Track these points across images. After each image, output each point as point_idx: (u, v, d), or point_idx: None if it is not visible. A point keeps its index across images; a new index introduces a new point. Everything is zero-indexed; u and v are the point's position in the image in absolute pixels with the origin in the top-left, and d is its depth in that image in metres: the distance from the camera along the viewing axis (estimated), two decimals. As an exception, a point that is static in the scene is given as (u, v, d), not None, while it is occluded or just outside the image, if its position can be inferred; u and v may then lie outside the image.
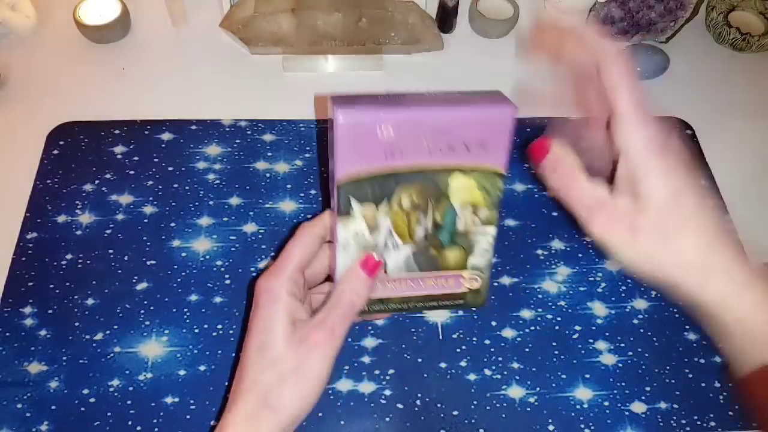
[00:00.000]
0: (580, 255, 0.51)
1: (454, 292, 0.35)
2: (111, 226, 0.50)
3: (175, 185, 0.52)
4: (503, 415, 0.43)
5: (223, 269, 0.48)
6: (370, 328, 0.46)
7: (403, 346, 0.46)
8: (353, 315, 0.32)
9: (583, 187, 0.31)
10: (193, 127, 0.56)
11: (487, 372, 0.45)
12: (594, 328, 0.47)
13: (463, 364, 0.45)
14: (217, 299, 0.47)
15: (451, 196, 0.31)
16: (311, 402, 0.31)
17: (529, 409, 0.44)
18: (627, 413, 0.44)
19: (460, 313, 0.47)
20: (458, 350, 0.46)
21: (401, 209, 0.32)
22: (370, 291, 0.33)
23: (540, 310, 0.48)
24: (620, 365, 0.46)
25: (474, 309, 0.38)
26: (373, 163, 0.31)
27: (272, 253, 0.49)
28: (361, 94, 0.32)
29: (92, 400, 0.42)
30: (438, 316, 0.47)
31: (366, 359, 0.45)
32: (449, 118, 0.30)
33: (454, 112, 0.31)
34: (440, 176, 0.31)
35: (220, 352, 0.45)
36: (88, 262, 0.48)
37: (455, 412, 0.43)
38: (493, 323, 0.47)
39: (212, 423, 0.42)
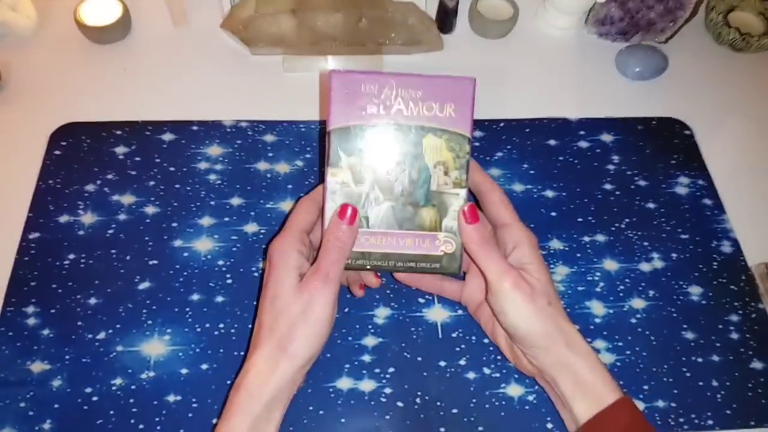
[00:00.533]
0: (578, 255, 0.51)
1: (431, 254, 0.39)
2: (113, 226, 0.50)
3: (177, 185, 0.53)
4: (502, 414, 0.44)
5: (224, 269, 0.49)
6: (370, 327, 0.47)
7: (403, 344, 0.46)
8: (342, 259, 0.37)
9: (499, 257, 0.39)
10: (195, 128, 0.56)
11: (487, 370, 0.45)
12: (592, 327, 0.48)
13: (462, 362, 0.46)
14: (219, 299, 0.47)
15: (425, 155, 0.37)
16: (321, 341, 0.37)
17: (527, 407, 0.44)
18: (625, 412, 0.44)
19: (460, 312, 0.47)
20: (457, 349, 0.46)
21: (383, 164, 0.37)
22: (353, 237, 0.38)
23: (539, 309, 0.48)
24: (618, 364, 0.46)
25: (450, 275, 0.41)
26: (359, 116, 0.37)
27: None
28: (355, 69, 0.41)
29: (95, 398, 0.43)
30: (438, 316, 0.48)
31: (366, 358, 0.45)
32: (421, 80, 0.38)
33: (426, 77, 0.38)
34: (415, 135, 0.37)
35: (222, 350, 0.45)
36: (91, 261, 0.48)
37: (455, 411, 0.44)
38: (493, 322, 0.47)
39: (214, 421, 0.43)
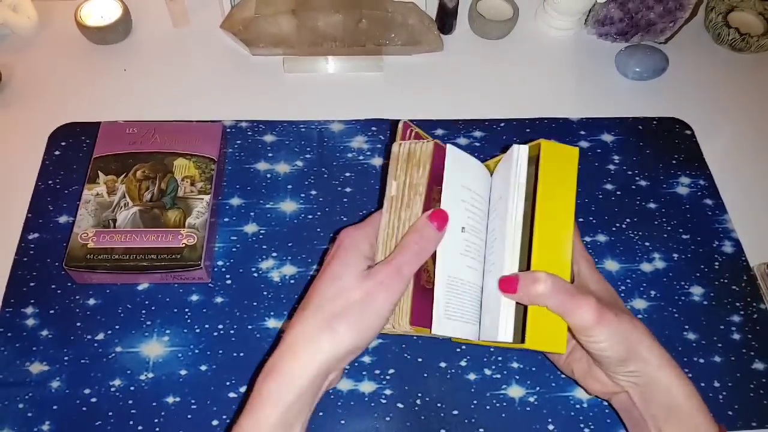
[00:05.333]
0: (579, 255, 0.51)
1: (172, 247, 0.44)
2: (112, 226, 0.50)
3: (176, 186, 0.53)
4: (503, 415, 0.44)
5: (224, 269, 0.49)
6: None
7: (404, 345, 0.46)
8: (418, 262, 0.35)
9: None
10: (194, 128, 0.56)
11: (487, 372, 0.45)
12: (594, 327, 0.47)
13: (463, 363, 0.45)
14: (218, 299, 0.47)
15: (174, 172, 0.44)
16: (367, 338, 0.34)
17: (528, 408, 0.44)
18: (626, 413, 0.44)
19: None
20: (458, 350, 0.46)
21: (134, 178, 0.45)
22: (436, 244, 0.35)
23: (540, 309, 0.48)
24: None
25: (190, 265, 0.44)
26: (118, 148, 0.49)
27: (273, 253, 0.50)
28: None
29: (94, 399, 0.43)
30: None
31: (366, 359, 0.45)
32: (175, 126, 0.50)
33: (180, 124, 0.50)
34: (168, 159, 0.46)
35: (221, 351, 0.45)
36: (90, 262, 0.48)
37: (455, 412, 0.44)
38: (493, 323, 0.47)
39: (213, 422, 0.42)
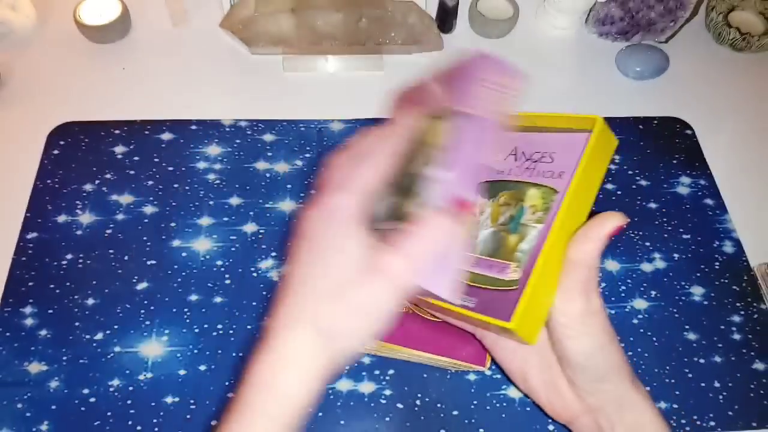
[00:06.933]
0: (579, 255, 0.51)
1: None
2: (111, 226, 0.50)
3: (176, 185, 0.52)
4: (503, 415, 0.43)
5: (223, 269, 0.48)
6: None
7: (403, 345, 0.46)
8: (434, 250, 0.28)
9: None
10: (193, 127, 0.56)
11: (487, 372, 0.45)
12: (594, 328, 0.47)
13: (463, 363, 0.45)
14: (218, 299, 0.47)
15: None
16: (371, 337, 0.28)
17: (528, 408, 0.44)
18: (627, 413, 0.44)
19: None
20: (458, 350, 0.46)
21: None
22: (457, 229, 0.29)
23: (540, 310, 0.48)
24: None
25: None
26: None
27: (273, 253, 0.49)
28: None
29: (92, 400, 0.42)
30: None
31: (366, 359, 0.45)
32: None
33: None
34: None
35: (220, 351, 0.45)
36: (89, 262, 0.48)
37: (455, 412, 0.43)
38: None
39: (213, 423, 0.42)
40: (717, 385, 0.45)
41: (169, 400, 0.43)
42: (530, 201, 0.38)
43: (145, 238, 0.49)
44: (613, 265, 0.50)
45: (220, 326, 0.46)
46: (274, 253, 0.49)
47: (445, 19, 0.64)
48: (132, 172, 0.53)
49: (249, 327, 0.46)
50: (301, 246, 0.28)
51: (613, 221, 0.31)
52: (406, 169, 0.33)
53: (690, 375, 0.46)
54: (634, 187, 0.55)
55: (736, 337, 0.47)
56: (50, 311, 0.46)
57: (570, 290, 0.31)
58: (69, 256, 0.48)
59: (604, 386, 0.32)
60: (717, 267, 0.51)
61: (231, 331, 0.46)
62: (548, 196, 0.37)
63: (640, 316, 0.48)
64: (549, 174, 0.38)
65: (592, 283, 0.31)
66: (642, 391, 0.33)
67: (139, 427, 0.42)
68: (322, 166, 0.32)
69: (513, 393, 0.44)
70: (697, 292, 0.49)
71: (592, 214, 0.35)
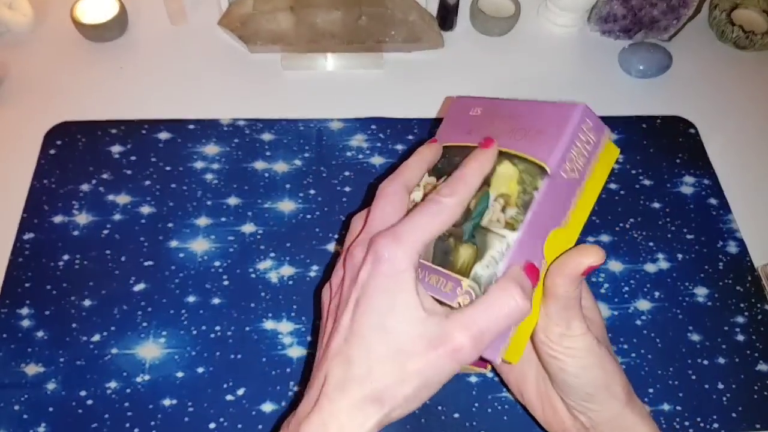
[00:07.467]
0: (582, 255, 0.50)
1: (444, 302, 0.29)
2: (108, 226, 0.50)
3: (173, 185, 0.52)
4: (504, 418, 0.43)
5: (221, 270, 0.48)
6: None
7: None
8: (503, 327, 0.27)
9: None
10: (191, 127, 0.56)
11: (489, 374, 0.44)
12: (596, 329, 0.47)
13: (463, 365, 0.45)
14: (216, 300, 0.47)
15: (492, 182, 0.30)
16: (423, 403, 0.27)
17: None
18: (629, 415, 0.43)
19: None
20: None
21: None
22: (530, 302, 0.28)
23: (541, 311, 0.47)
24: (623, 367, 0.45)
25: None
26: (455, 137, 0.33)
27: (271, 254, 0.49)
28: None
29: (89, 402, 0.42)
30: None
31: (366, 361, 0.45)
32: (528, 105, 0.32)
33: (536, 103, 0.32)
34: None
35: (218, 353, 0.44)
36: (86, 262, 0.48)
37: (456, 415, 0.43)
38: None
39: (211, 425, 0.42)
40: (721, 386, 0.45)
41: (166, 402, 0.42)
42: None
43: (142, 239, 0.49)
44: (616, 266, 0.50)
45: (218, 328, 0.45)
46: (272, 254, 0.49)
47: (446, 16, 0.63)
48: (129, 171, 0.53)
49: (247, 329, 0.45)
50: (350, 301, 0.27)
51: (590, 259, 0.28)
52: (471, 216, 0.30)
53: (693, 376, 0.45)
54: (637, 186, 0.54)
55: (740, 338, 0.47)
56: (47, 312, 0.45)
57: (550, 315, 0.30)
58: (66, 257, 0.48)
59: (591, 405, 0.31)
60: (721, 267, 0.50)
61: (229, 333, 0.45)
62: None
63: (643, 318, 0.48)
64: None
65: (573, 310, 0.30)
66: (640, 412, 0.32)
67: (136, 430, 0.41)
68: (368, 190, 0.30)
69: (514, 395, 0.44)
70: (701, 292, 0.49)
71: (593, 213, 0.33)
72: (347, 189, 0.53)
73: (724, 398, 0.44)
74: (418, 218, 0.28)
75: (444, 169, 0.33)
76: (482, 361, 0.31)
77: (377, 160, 0.55)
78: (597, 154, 0.31)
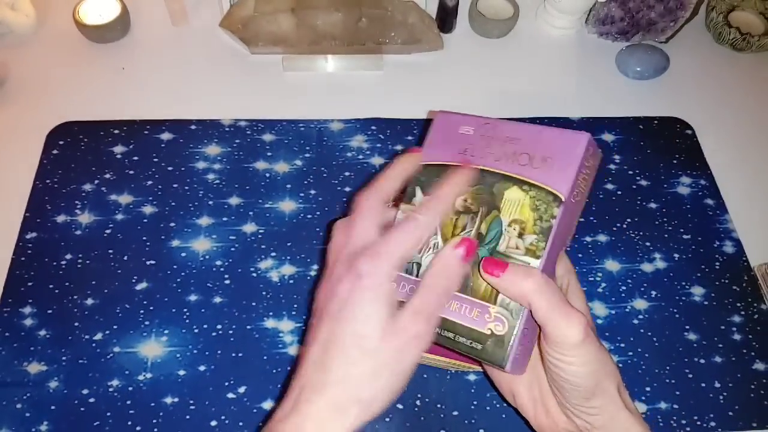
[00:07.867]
0: (579, 255, 0.51)
1: (474, 329, 0.30)
2: (110, 226, 0.50)
3: (175, 185, 0.52)
4: (503, 416, 0.43)
5: (222, 269, 0.48)
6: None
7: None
8: (447, 300, 0.30)
9: None
10: (193, 127, 0.56)
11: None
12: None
13: (462, 364, 0.45)
14: (217, 299, 0.47)
15: (502, 208, 0.31)
16: (399, 393, 0.30)
17: (528, 409, 0.44)
18: (627, 413, 0.44)
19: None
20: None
21: (452, 209, 0.31)
22: (463, 275, 0.30)
23: (540, 310, 0.48)
24: (620, 365, 0.46)
25: (491, 363, 0.31)
26: (447, 156, 0.32)
27: (272, 253, 0.49)
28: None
29: (92, 400, 0.42)
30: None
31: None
32: (524, 129, 0.32)
33: (533, 126, 0.32)
34: (499, 185, 0.31)
35: (219, 352, 0.45)
36: (88, 262, 0.48)
37: (455, 413, 0.43)
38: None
39: (212, 423, 0.42)
40: (717, 385, 0.45)
41: (168, 400, 0.43)
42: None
43: (144, 238, 0.49)
44: (613, 266, 0.50)
45: (219, 326, 0.46)
46: (273, 253, 0.49)
47: (445, 18, 0.63)
48: (131, 171, 0.53)
49: (248, 327, 0.46)
50: (331, 313, 0.29)
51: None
52: (486, 241, 0.30)
53: (690, 375, 0.46)
54: (634, 187, 0.55)
55: (737, 337, 0.47)
56: (50, 311, 0.46)
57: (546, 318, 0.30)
58: (68, 256, 0.48)
59: (591, 403, 0.31)
60: (717, 267, 0.51)
61: (230, 332, 0.46)
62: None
63: (640, 317, 0.48)
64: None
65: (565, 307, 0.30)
66: (636, 415, 0.32)
67: (138, 428, 0.42)
68: (353, 196, 0.31)
69: (513, 393, 0.44)
70: (698, 292, 0.49)
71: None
72: (347, 189, 0.53)
73: (721, 397, 0.45)
74: (396, 235, 0.30)
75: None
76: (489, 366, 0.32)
77: (377, 161, 0.55)
78: (594, 176, 0.32)
